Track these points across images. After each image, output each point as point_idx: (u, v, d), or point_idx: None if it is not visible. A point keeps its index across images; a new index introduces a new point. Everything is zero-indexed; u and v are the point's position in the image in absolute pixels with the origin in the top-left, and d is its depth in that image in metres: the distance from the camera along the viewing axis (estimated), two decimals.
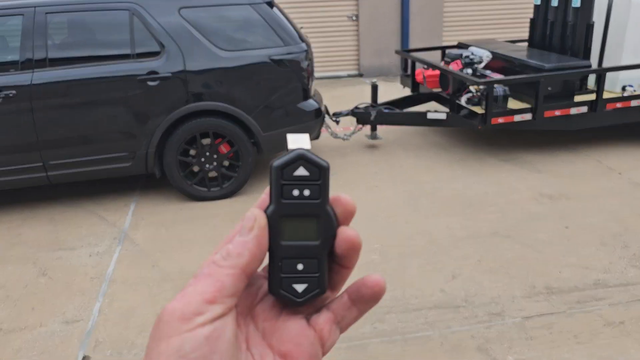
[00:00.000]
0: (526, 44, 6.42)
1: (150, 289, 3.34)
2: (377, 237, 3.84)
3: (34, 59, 4.16)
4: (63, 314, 3.13)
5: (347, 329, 0.48)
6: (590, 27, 5.37)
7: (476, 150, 5.56)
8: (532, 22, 6.17)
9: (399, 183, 4.82)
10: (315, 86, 5.07)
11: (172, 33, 4.31)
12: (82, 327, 3.01)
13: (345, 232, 0.45)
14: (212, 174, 4.62)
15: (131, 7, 4.28)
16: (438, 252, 3.63)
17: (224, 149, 4.56)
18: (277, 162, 0.45)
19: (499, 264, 3.47)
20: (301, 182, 0.44)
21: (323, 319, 0.46)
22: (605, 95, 5.24)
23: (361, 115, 5.61)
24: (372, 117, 5.56)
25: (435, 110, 5.47)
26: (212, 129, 4.47)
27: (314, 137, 4.95)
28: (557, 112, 5.11)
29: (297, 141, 0.46)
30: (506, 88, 5.20)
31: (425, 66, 6.07)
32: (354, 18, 9.61)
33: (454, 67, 5.88)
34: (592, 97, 5.23)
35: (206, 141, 4.53)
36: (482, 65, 5.78)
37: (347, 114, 5.70)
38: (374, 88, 5.92)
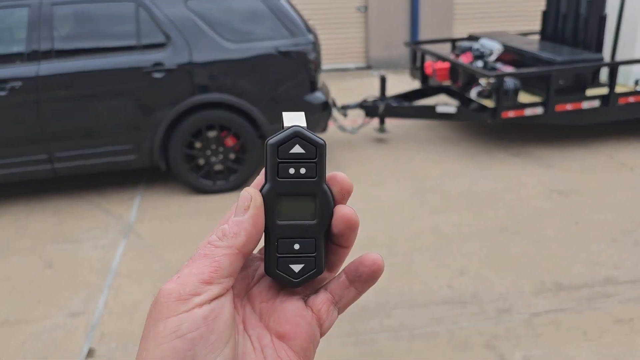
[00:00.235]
0: (538, 36, 6.34)
1: (155, 282, 3.33)
2: (384, 232, 3.80)
3: (40, 50, 4.15)
4: (68, 306, 3.13)
5: (346, 309, 0.47)
6: (603, 20, 5.28)
7: (485, 145, 5.50)
8: (544, 14, 6.08)
9: (407, 177, 4.77)
10: (322, 78, 5.02)
11: (178, 24, 4.28)
12: (88, 319, 3.00)
13: (342, 210, 0.44)
14: (218, 167, 4.60)
15: None
16: (445, 248, 3.59)
17: (230, 141, 4.53)
18: (272, 140, 0.43)
19: (507, 260, 3.43)
20: (297, 160, 0.43)
21: (321, 300, 0.46)
22: (618, 89, 5.16)
23: (369, 108, 5.56)
24: (380, 110, 5.51)
25: (445, 104, 5.40)
26: (218, 122, 4.45)
27: (321, 130, 4.91)
28: (569, 106, 5.04)
29: (293, 119, 0.45)
30: (517, 81, 5.12)
31: (435, 58, 6.00)
32: (363, 10, 9.53)
33: (464, 59, 5.80)
34: (605, 91, 5.15)
35: (212, 134, 4.50)
36: (493, 57, 5.71)
37: (355, 107, 5.65)
38: (383, 80, 5.85)
